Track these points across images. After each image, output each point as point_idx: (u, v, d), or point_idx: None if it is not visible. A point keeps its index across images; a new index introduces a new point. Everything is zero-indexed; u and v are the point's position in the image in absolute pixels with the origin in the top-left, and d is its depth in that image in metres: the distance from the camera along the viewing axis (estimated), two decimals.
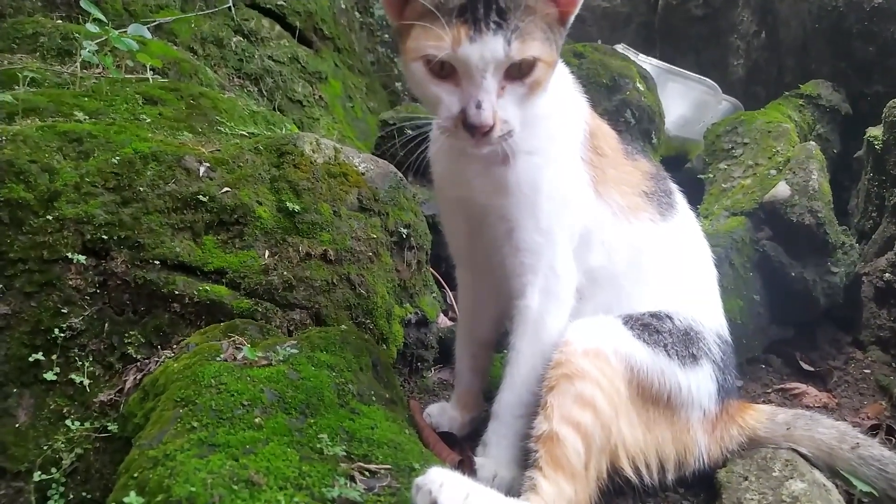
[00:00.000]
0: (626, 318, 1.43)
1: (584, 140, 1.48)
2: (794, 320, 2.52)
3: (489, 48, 1.16)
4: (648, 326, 1.43)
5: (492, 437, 1.42)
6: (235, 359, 1.34)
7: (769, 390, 2.31)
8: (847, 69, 2.97)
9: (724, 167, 2.72)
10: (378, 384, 1.44)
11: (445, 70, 1.21)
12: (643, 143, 2.63)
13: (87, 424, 1.42)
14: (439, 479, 1.03)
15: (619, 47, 3.40)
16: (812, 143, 2.56)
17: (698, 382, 1.45)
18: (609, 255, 1.49)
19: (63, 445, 1.40)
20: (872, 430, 2.00)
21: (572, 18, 1.32)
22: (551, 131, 1.41)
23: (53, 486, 1.38)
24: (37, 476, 1.37)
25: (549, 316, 1.42)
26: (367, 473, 1.11)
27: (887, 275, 2.49)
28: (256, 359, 1.33)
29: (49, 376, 1.44)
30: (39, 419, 1.42)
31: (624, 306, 1.48)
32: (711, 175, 2.76)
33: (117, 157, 1.62)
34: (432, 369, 2.04)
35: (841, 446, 1.47)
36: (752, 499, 1.35)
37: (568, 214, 1.43)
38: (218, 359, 1.33)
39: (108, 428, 1.41)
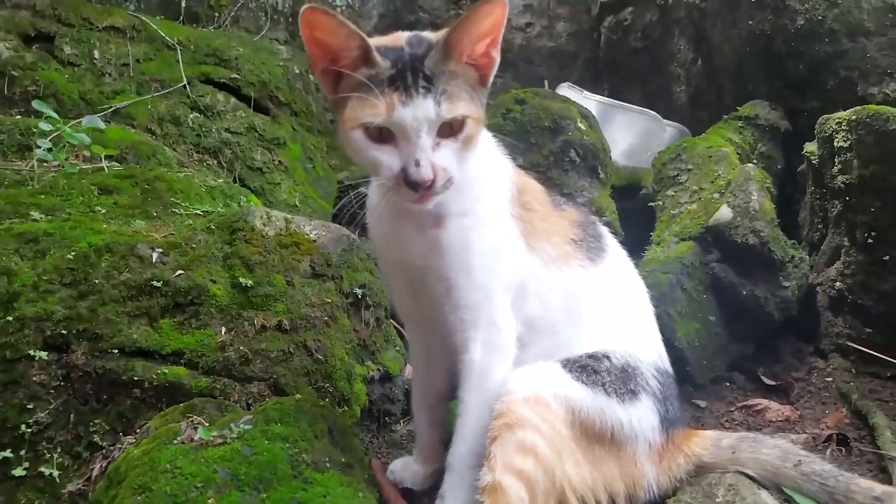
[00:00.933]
0: (564, 362, 1.50)
1: (511, 197, 1.57)
2: (752, 336, 2.60)
3: (421, 109, 1.27)
4: (586, 368, 1.50)
5: (447, 489, 1.48)
6: (192, 440, 1.40)
7: (732, 408, 2.37)
8: (782, 88, 3.10)
9: (671, 194, 2.82)
10: (334, 449, 1.50)
11: (383, 134, 1.31)
12: (590, 179, 2.74)
13: None
14: None
15: (565, 86, 3.54)
16: (750, 165, 2.67)
17: (639, 416, 1.52)
18: (544, 303, 1.57)
19: None
20: (826, 441, 2.06)
21: (491, 79, 1.43)
22: (479, 192, 1.50)
23: None
24: None
25: (492, 367, 1.49)
26: None
27: (838, 283, 2.57)
28: (212, 438, 1.39)
29: (18, 472, 1.50)
30: None
31: (563, 350, 1.55)
32: (661, 202, 2.86)
33: (72, 253, 1.70)
34: (401, 422, 2.09)
35: (784, 465, 1.53)
36: None
37: (502, 269, 1.51)
38: (175, 441, 1.39)
39: None
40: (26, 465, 1.51)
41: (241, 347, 1.69)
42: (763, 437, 1.62)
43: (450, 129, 1.33)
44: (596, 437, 1.48)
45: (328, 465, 1.42)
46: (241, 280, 1.78)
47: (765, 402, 2.36)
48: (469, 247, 1.46)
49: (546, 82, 3.87)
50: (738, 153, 2.85)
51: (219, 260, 1.81)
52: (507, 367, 1.50)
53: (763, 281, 2.51)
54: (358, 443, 1.68)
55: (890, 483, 1.72)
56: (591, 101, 3.28)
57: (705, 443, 1.62)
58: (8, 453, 1.49)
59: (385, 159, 1.32)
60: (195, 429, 1.42)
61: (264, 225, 1.92)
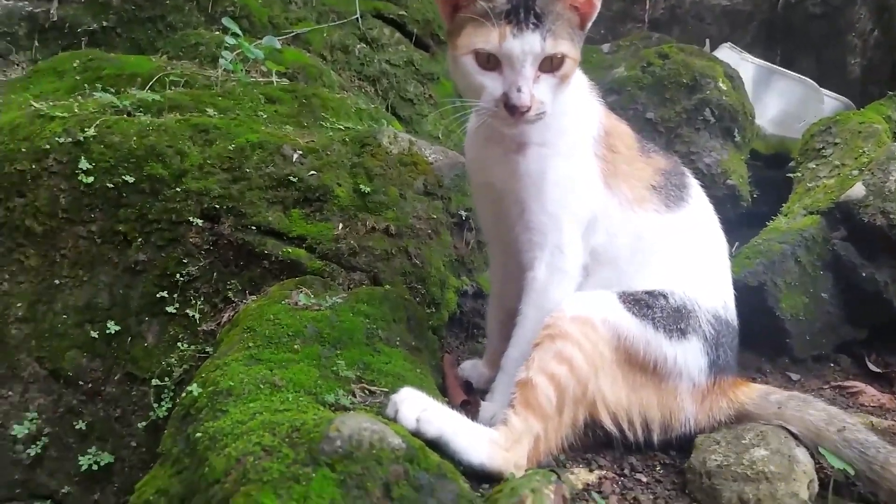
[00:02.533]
0: (621, 294, 1.63)
1: (597, 137, 1.69)
2: (867, 321, 2.50)
3: (528, 42, 1.44)
4: (640, 301, 1.62)
5: (497, 385, 1.68)
6: (296, 303, 1.71)
7: (826, 386, 2.34)
8: None
9: (812, 166, 2.73)
10: (408, 334, 1.76)
11: (491, 62, 1.49)
12: (723, 140, 2.71)
13: (193, 347, 1.87)
14: (405, 395, 1.33)
15: (726, 46, 3.43)
16: (895, 144, 2.51)
17: (685, 355, 1.62)
18: (611, 239, 1.69)
19: (175, 361, 1.87)
20: None
21: (589, 25, 1.58)
22: (563, 127, 1.65)
23: (165, 391, 1.84)
24: (154, 382, 1.84)
25: (552, 287, 1.65)
26: (367, 392, 1.44)
27: None
28: (311, 304, 1.70)
29: (171, 310, 1.91)
30: (161, 341, 1.90)
31: (623, 284, 1.67)
32: (800, 174, 2.77)
33: (233, 145, 2.06)
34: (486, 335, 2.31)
35: (828, 428, 1.57)
36: (716, 459, 1.50)
37: (573, 200, 1.65)
38: (283, 302, 1.71)
39: (206, 350, 1.85)
40: (177, 305, 1.92)
41: (352, 241, 1.98)
42: (813, 398, 1.65)
43: (549, 65, 1.49)
44: (639, 365, 1.60)
45: (398, 343, 1.68)
46: (362, 187, 2.07)
47: (862, 385, 2.30)
48: (544, 175, 1.62)
49: (708, 41, 3.76)
50: (893, 132, 2.68)
51: (346, 167, 2.11)
52: (566, 290, 1.65)
53: (887, 266, 2.40)
54: (433, 336, 1.93)
55: None
56: (747, 64, 3.17)
57: (752, 393, 1.68)
58: (165, 294, 1.91)
59: (490, 84, 1.50)
60: (300, 296, 1.74)
61: (390, 143, 2.18)
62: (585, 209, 1.67)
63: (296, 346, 1.53)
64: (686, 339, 1.62)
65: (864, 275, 2.42)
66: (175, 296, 1.92)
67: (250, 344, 1.53)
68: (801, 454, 1.53)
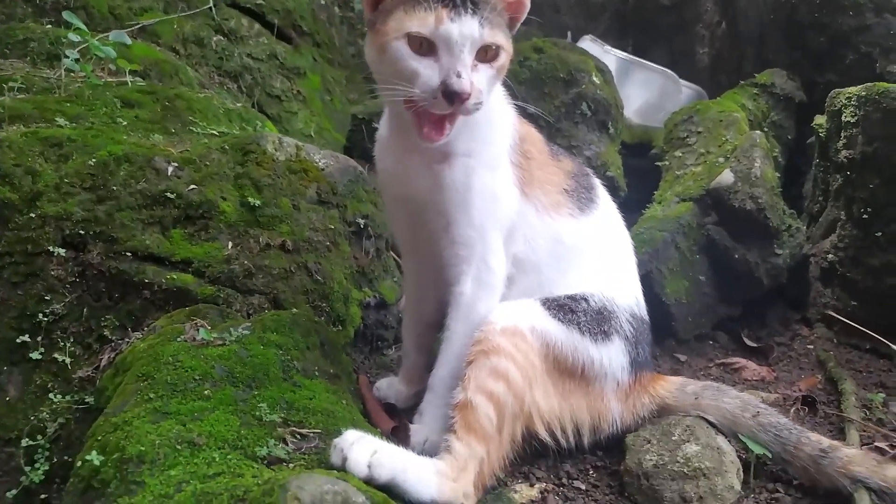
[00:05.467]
0: (544, 301, 1.60)
1: (513, 144, 1.64)
2: (740, 299, 2.68)
3: (467, 26, 1.36)
4: (564, 307, 1.60)
5: (426, 407, 1.60)
6: (194, 339, 1.52)
7: (711, 364, 2.48)
8: (802, 59, 3.10)
9: (679, 155, 2.87)
10: (324, 361, 1.62)
11: (424, 48, 1.39)
12: (599, 133, 2.78)
13: (68, 397, 1.61)
14: (351, 438, 1.21)
15: (587, 39, 3.54)
16: (757, 132, 2.70)
17: (610, 356, 1.62)
18: (531, 245, 1.66)
19: (48, 416, 1.59)
20: (803, 403, 2.16)
21: (517, 25, 1.52)
22: (486, 136, 1.58)
23: (39, 451, 1.57)
24: (25, 443, 1.56)
25: (479, 302, 1.59)
26: (298, 436, 1.29)
27: (831, 256, 2.63)
28: (212, 339, 1.51)
29: (35, 356, 1.63)
30: (27, 393, 1.62)
31: (545, 290, 1.65)
32: (668, 162, 2.91)
33: (93, 160, 1.79)
34: (392, 347, 2.21)
35: (743, 414, 1.64)
36: (651, 459, 1.52)
37: (498, 211, 1.59)
38: (179, 339, 1.51)
39: (86, 400, 1.59)
40: (42, 350, 1.64)
41: (246, 262, 1.80)
42: (727, 387, 1.72)
43: (485, 54, 1.41)
44: (567, 371, 1.58)
45: (317, 373, 1.54)
46: (250, 199, 1.88)
47: (743, 361, 2.46)
48: (470, 186, 1.54)
49: (570, 34, 3.86)
50: (749, 120, 2.88)
51: (230, 179, 1.91)
52: (492, 303, 1.60)
53: (756, 246, 2.58)
54: (347, 359, 1.80)
55: None
56: (610, 56, 3.29)
57: (671, 387, 1.72)
58: (26, 338, 1.62)
59: (425, 71, 1.39)
60: (197, 330, 1.54)
61: (275, 150, 2.00)
62: (507, 219, 1.62)
63: (206, 392, 1.35)
64: (610, 340, 1.63)
65: (736, 256, 2.58)
66: (39, 339, 1.64)
67: (151, 395, 1.33)
68: (724, 443, 1.59)
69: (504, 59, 1.45)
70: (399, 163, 1.57)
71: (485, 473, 1.42)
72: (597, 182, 1.83)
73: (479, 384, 1.44)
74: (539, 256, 1.67)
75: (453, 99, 1.36)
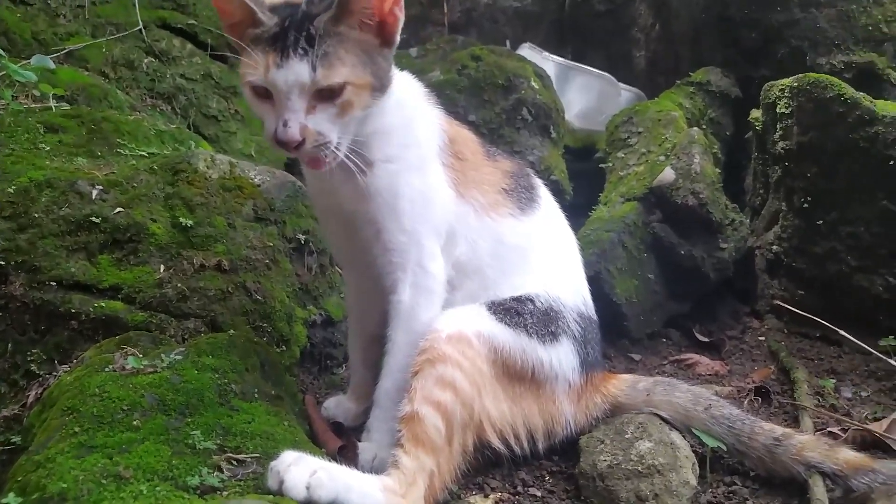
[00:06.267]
0: (489, 304, 1.57)
1: (442, 145, 1.62)
2: (689, 295, 2.69)
3: (293, 72, 1.31)
4: (510, 310, 1.57)
5: (373, 422, 1.55)
6: (123, 368, 1.44)
7: (665, 362, 2.48)
8: (736, 56, 3.15)
9: (621, 156, 2.88)
10: (265, 383, 1.55)
11: (263, 93, 1.36)
12: (542, 138, 2.78)
13: None
14: (288, 459, 1.16)
15: (526, 46, 3.56)
16: (695, 129, 2.73)
17: (559, 357, 1.59)
18: (473, 248, 1.63)
19: None
20: (756, 394, 2.16)
21: (396, 38, 1.44)
22: (405, 139, 1.55)
23: None
24: None
25: (419, 308, 1.55)
26: (234, 462, 1.23)
27: (775, 247, 2.66)
28: (142, 367, 1.44)
29: None
30: None
31: (490, 293, 1.62)
32: (611, 164, 2.92)
33: (13, 187, 1.71)
34: (342, 366, 2.15)
35: (695, 408, 1.63)
36: (605, 460, 1.50)
37: (430, 214, 1.56)
38: (107, 369, 1.43)
39: (12, 440, 1.50)
40: None
41: (179, 285, 1.73)
42: (677, 381, 1.71)
43: (330, 93, 1.35)
44: (517, 375, 1.55)
45: (256, 395, 1.48)
46: (182, 220, 1.81)
47: (696, 356, 2.46)
48: (396, 191, 1.51)
49: (508, 42, 3.88)
50: (687, 118, 2.91)
51: (160, 200, 1.84)
52: (434, 309, 1.56)
53: (701, 242, 2.60)
54: (291, 379, 1.74)
55: None
56: (549, 63, 3.30)
57: (622, 385, 1.70)
58: None
59: (266, 117, 1.38)
60: (126, 358, 1.47)
61: (208, 167, 1.94)
62: (443, 221, 1.59)
63: (135, 422, 1.28)
64: (558, 341, 1.61)
65: (682, 252, 2.60)
66: None
67: (76, 428, 1.25)
68: (678, 439, 1.58)
69: (350, 93, 1.36)
70: (324, 175, 1.53)
71: (436, 486, 1.37)
72: (538, 182, 1.82)
73: (425, 394, 1.40)
74: (481, 258, 1.64)
75: (286, 147, 1.33)
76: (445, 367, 1.42)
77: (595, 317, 1.77)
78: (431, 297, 1.56)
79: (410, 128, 1.55)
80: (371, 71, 1.39)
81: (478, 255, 1.64)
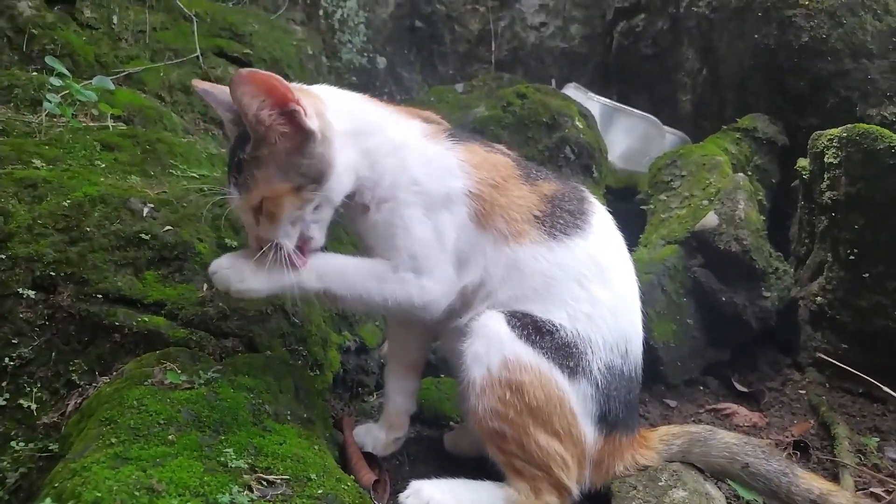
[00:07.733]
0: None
1: (461, 177, 1.58)
2: (729, 343, 2.64)
3: (234, 199, 1.50)
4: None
5: None
6: (162, 383, 1.47)
7: (702, 410, 2.42)
8: (783, 103, 3.13)
9: (663, 198, 2.87)
10: (298, 405, 1.56)
11: None
12: (584, 177, 2.78)
13: (31, 445, 1.54)
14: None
15: (571, 86, 3.58)
16: (741, 174, 2.71)
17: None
18: (485, 275, 1.57)
19: (8, 465, 1.53)
20: (795, 448, 2.10)
21: (313, 129, 1.44)
22: (394, 181, 1.56)
23: None
24: None
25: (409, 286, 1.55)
26: (264, 483, 1.23)
27: (819, 298, 2.61)
28: (180, 382, 1.46)
29: None
30: None
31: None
32: (653, 206, 2.91)
33: (68, 201, 1.77)
34: (374, 394, 2.15)
35: (732, 466, 1.57)
36: None
37: (438, 240, 1.55)
38: (146, 383, 1.46)
39: (50, 447, 1.53)
40: (7, 396, 1.58)
41: (220, 304, 1.75)
42: (713, 436, 1.61)
43: (259, 208, 1.47)
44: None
45: (289, 417, 1.49)
46: (227, 241, 1.85)
47: (734, 406, 2.41)
48: (393, 225, 1.54)
49: (553, 81, 3.91)
50: (732, 164, 2.89)
51: (208, 220, 1.88)
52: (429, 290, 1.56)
53: (743, 289, 2.55)
54: (322, 404, 1.75)
55: None
56: (594, 103, 3.32)
57: (654, 445, 1.62)
58: None
59: None
60: (165, 373, 1.49)
61: None
62: (450, 250, 1.56)
63: (170, 437, 1.30)
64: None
65: (723, 299, 2.55)
66: (4, 384, 1.59)
67: (112, 439, 1.27)
68: (713, 490, 1.54)
69: (269, 205, 1.45)
70: (344, 216, 1.63)
71: None
72: (594, 207, 1.68)
73: None
74: (493, 283, 1.58)
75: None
76: None
77: (635, 374, 1.67)
78: (427, 294, 1.56)
79: (407, 170, 1.56)
80: (293, 174, 1.44)
81: (491, 280, 1.57)
